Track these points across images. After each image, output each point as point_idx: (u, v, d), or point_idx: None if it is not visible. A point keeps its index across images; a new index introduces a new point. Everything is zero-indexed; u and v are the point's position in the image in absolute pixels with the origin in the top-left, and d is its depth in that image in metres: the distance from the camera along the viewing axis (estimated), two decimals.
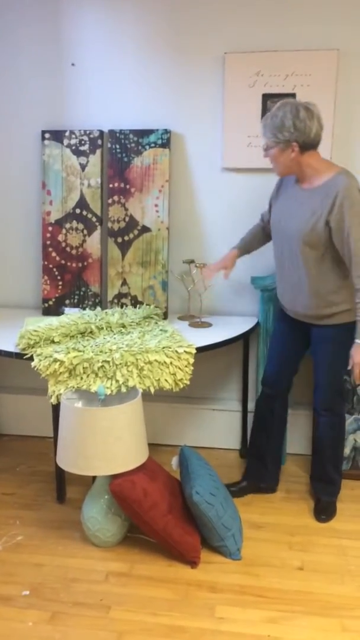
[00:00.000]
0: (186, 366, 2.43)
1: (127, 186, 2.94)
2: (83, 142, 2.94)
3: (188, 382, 2.45)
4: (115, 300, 3.01)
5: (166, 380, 2.39)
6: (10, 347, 2.52)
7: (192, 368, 2.45)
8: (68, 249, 3.02)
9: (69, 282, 3.04)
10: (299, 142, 2.18)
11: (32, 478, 2.86)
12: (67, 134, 2.94)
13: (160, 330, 2.66)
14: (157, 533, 2.22)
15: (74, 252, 3.01)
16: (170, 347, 2.43)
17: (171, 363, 2.40)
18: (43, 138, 2.97)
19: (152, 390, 2.37)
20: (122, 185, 2.94)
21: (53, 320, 2.63)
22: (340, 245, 2.20)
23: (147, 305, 2.92)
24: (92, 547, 2.35)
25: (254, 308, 3.03)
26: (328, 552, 2.33)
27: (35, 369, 2.38)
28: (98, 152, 2.93)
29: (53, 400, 2.35)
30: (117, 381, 2.33)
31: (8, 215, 3.15)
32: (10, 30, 2.92)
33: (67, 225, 3.00)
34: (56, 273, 3.04)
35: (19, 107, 3.00)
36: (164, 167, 2.89)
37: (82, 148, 2.94)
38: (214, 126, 2.88)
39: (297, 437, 3.04)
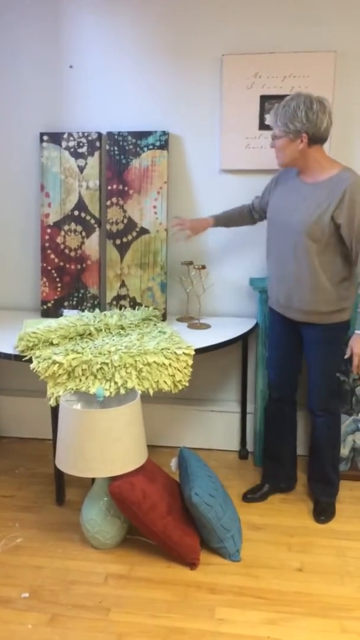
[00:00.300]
0: (185, 368, 2.44)
1: (126, 188, 2.94)
2: (81, 144, 2.94)
3: (187, 384, 2.45)
4: (114, 302, 3.01)
5: (165, 381, 2.40)
6: (9, 349, 2.51)
7: (191, 369, 2.45)
8: (67, 251, 3.02)
9: (67, 284, 3.04)
10: (308, 134, 2.18)
11: (31, 480, 2.86)
12: (65, 136, 2.94)
13: (159, 331, 2.66)
14: (156, 534, 2.22)
15: (72, 254, 3.01)
16: (169, 349, 2.43)
17: (170, 364, 2.40)
18: (41, 140, 2.97)
19: (151, 391, 2.37)
20: (121, 187, 2.94)
21: (52, 322, 2.62)
22: (350, 239, 2.22)
23: (145, 306, 2.92)
24: (91, 549, 2.35)
25: (252, 309, 3.03)
26: (327, 553, 2.33)
27: (34, 371, 2.38)
28: (96, 154, 2.93)
29: (52, 402, 2.35)
30: (116, 383, 2.33)
31: (7, 217, 3.15)
32: (10, 31, 2.93)
33: (66, 227, 3.00)
34: (55, 275, 3.04)
35: (18, 109, 3.01)
36: (162, 169, 2.90)
37: (80, 150, 2.94)
38: (212, 128, 2.89)
39: None
